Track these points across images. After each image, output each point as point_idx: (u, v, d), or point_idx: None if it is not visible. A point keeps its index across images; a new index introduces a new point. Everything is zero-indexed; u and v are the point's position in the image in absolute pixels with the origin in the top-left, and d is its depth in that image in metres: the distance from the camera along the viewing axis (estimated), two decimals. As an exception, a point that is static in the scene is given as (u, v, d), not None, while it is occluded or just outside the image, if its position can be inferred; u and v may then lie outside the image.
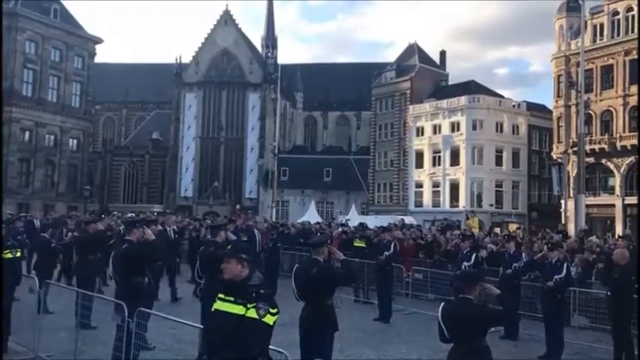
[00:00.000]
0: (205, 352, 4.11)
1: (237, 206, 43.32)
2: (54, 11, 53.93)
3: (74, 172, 57.05)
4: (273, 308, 4.09)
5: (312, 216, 39.83)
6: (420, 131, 56.64)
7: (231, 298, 4.12)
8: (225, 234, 7.93)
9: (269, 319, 4.03)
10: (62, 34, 54.23)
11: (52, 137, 54.65)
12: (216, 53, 72.97)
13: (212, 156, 71.80)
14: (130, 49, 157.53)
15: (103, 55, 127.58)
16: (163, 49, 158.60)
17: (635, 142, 40.04)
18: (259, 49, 77.74)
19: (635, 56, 40.71)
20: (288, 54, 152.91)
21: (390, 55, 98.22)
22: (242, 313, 4.01)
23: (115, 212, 34.08)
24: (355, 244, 16.47)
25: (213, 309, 4.27)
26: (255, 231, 15.93)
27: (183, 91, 72.03)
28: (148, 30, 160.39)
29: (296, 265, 6.91)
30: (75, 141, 57.23)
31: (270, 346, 4.71)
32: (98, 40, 58.87)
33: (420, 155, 56.37)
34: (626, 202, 40.85)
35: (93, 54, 58.54)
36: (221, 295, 4.22)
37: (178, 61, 72.61)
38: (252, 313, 3.99)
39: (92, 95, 59.87)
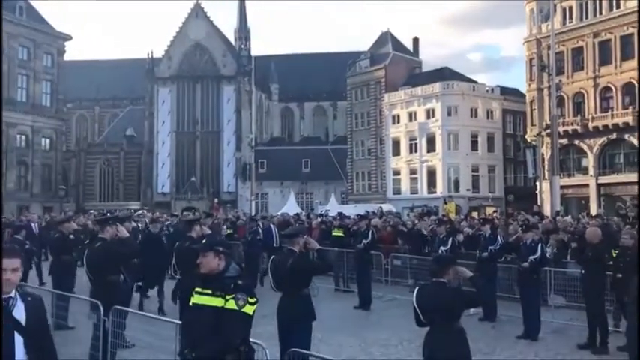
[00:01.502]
0: (186, 347, 4.10)
1: (216, 200, 43.13)
2: (19, 9, 52.75)
3: (48, 172, 56.11)
4: (251, 298, 4.10)
5: (291, 208, 39.84)
6: (396, 119, 56.88)
7: (209, 291, 4.12)
8: (200, 229, 7.90)
9: (248, 309, 4.05)
10: (29, 32, 53.09)
11: (24, 137, 53.61)
12: (189, 47, 72.30)
13: (188, 151, 71.31)
14: (101, 45, 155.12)
15: (73, 52, 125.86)
16: (134, 44, 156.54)
17: (607, 122, 40.71)
18: (232, 41, 77.17)
19: (605, 37, 41.33)
20: (262, 45, 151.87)
21: (364, 44, 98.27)
22: (221, 304, 4.02)
23: (91, 211, 33.68)
24: (334, 234, 16.52)
25: (191, 303, 4.26)
26: (272, 226, 16.23)
27: (157, 86, 71.29)
28: (118, 25, 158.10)
29: (272, 257, 6.91)
30: (47, 140, 56.21)
31: (250, 339, 4.72)
32: (67, 37, 57.77)
33: (396, 143, 56.63)
34: (599, 181, 41.60)
35: (62, 51, 57.44)
36: (198, 289, 4.22)
37: (150, 56, 71.80)
38: (231, 304, 4.00)
39: (63, 93, 58.78)
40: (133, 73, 74.78)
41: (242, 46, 74.96)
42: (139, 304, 10.74)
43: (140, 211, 20.54)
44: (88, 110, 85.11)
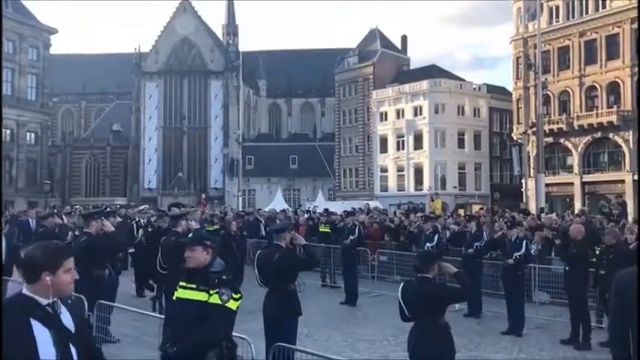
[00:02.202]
0: (168, 341, 4.08)
1: (203, 196, 42.96)
2: (4, 1, 52.08)
3: (33, 166, 55.57)
4: (236, 294, 4.09)
5: (279, 204, 39.75)
6: (384, 116, 56.98)
7: (193, 285, 4.11)
8: (186, 223, 7.87)
9: (232, 305, 4.04)
10: (15, 25, 52.45)
11: (8, 131, 53.03)
12: (176, 42, 71.87)
13: (175, 146, 70.95)
14: (87, 39, 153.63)
15: (59, 46, 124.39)
16: (121, 38, 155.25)
17: (591, 121, 41.09)
18: (220, 37, 76.80)
19: (590, 37, 41.68)
20: (250, 41, 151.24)
21: (352, 41, 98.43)
22: (205, 299, 4.01)
23: (77, 206, 33.37)
24: (321, 230, 16.56)
25: (174, 297, 4.25)
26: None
27: (144, 81, 70.80)
28: (105, 20, 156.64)
29: (258, 252, 6.91)
30: (32, 135, 55.66)
31: (234, 333, 4.72)
32: (53, 31, 57.18)
33: (384, 140, 56.75)
34: (584, 180, 42.01)
35: (48, 45, 56.85)
36: (182, 283, 4.20)
37: (137, 51, 71.20)
38: (215, 299, 3.99)
39: (49, 87, 58.21)
40: (120, 68, 74.18)
41: (230, 42, 74.62)
42: (152, 306, 10.23)
43: (142, 207, 20.15)
44: (74, 105, 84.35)
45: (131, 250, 12.06)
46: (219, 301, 3.96)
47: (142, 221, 14.09)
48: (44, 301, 2.70)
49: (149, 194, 66.33)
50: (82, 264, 6.96)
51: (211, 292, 4.00)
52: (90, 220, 6.78)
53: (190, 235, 4.54)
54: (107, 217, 7.26)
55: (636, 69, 39.00)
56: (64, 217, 13.38)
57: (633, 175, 38.93)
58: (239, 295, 4.09)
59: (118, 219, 11.27)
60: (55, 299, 2.74)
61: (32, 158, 55.45)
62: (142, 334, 7.00)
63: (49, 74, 57.11)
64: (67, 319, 2.80)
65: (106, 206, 22.31)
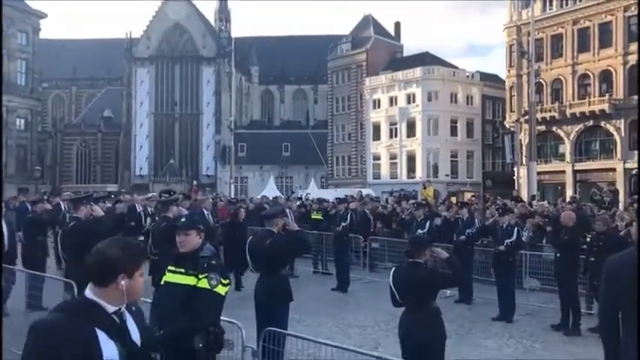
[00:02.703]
0: (155, 324, 4.05)
1: (195, 183, 42.78)
2: (-7, -15, 51.35)
3: (23, 152, 55.13)
4: (224, 279, 4.07)
5: (271, 191, 39.69)
6: (377, 103, 56.88)
7: (182, 270, 4.08)
8: (177, 209, 7.82)
9: (221, 290, 4.02)
10: (3, 9, 51.76)
11: (-2, 117, 52.53)
12: (168, 27, 71.29)
13: (167, 133, 70.63)
14: (77, 24, 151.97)
15: (49, 31, 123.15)
16: (112, 24, 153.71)
17: (584, 109, 41.19)
18: (212, 22, 76.21)
19: (584, 25, 41.67)
20: (243, 27, 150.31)
21: (345, 27, 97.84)
22: (193, 283, 3.98)
23: (67, 192, 33.20)
24: (313, 217, 16.55)
25: (163, 281, 4.22)
26: (287, 211, 15.14)
27: (135, 67, 70.28)
28: (96, 4, 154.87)
29: (250, 237, 6.88)
30: (22, 120, 55.14)
31: (225, 318, 4.70)
32: (42, 15, 56.45)
33: (377, 127, 56.70)
34: (575, 168, 42.21)
35: (37, 29, 56.15)
36: (171, 267, 4.18)
37: (129, 36, 70.59)
38: (203, 284, 3.96)
39: (39, 73, 57.61)
40: (111, 53, 73.56)
41: (222, 28, 74.07)
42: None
43: (150, 194, 19.62)
44: (65, 90, 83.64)
45: (141, 239, 11.59)
46: (207, 286, 3.93)
47: (149, 209, 13.49)
48: (111, 308, 2.28)
49: (140, 181, 66.10)
50: (71, 249, 6.96)
51: (200, 276, 3.97)
52: (79, 205, 6.71)
53: (183, 220, 4.49)
54: (97, 202, 7.20)
55: (629, 57, 39.09)
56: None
57: (624, 163, 39.17)
58: (228, 281, 4.07)
59: (108, 204, 11.13)
60: (123, 306, 2.35)
61: (22, 144, 55.00)
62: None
63: (38, 59, 56.48)
64: (133, 330, 2.40)
65: (110, 193, 21.96)
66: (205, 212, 12.65)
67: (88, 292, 2.31)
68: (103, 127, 71.43)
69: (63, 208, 13.96)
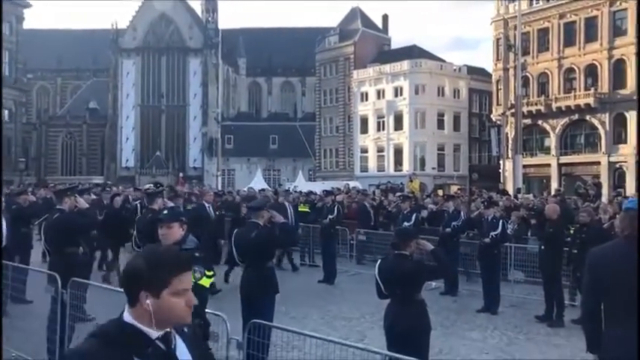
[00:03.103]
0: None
1: (181, 174, 42.58)
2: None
3: (7, 144, 54.49)
4: (209, 271, 4.06)
5: (258, 184, 39.60)
6: (365, 96, 56.89)
7: (165, 263, 4.05)
8: (162, 201, 7.78)
9: (205, 282, 4.02)
10: (-14, -2, 50.99)
11: (-20, 108, 51.86)
12: (154, 18, 70.66)
13: (153, 125, 70.17)
14: (63, 14, 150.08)
15: (33, 21, 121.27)
16: (98, 14, 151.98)
17: (569, 103, 41.51)
18: (199, 13, 75.66)
19: (570, 19, 41.92)
20: (230, 19, 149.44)
21: (333, 19, 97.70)
22: None
23: (51, 184, 32.89)
24: (300, 209, 16.53)
25: (146, 275, 4.18)
26: (287, 204, 14.38)
27: (121, 58, 69.65)
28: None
29: (236, 230, 6.86)
30: (6, 111, 54.50)
31: (210, 310, 4.69)
32: (26, 5, 55.73)
33: (364, 120, 56.74)
34: (560, 161, 42.58)
35: (21, 19, 55.42)
36: (153, 260, 4.14)
37: (114, 27, 69.89)
38: None
39: (23, 63, 56.90)
40: (97, 44, 72.83)
41: (209, 19, 73.58)
42: None
43: (147, 185, 19.19)
44: (50, 81, 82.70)
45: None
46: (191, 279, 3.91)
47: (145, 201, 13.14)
48: (154, 333, 1.91)
49: (127, 173, 65.67)
50: (55, 241, 6.90)
51: None
52: (63, 197, 6.65)
53: (165, 212, 4.46)
54: (81, 194, 7.14)
55: (614, 52, 39.42)
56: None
57: (609, 156, 39.59)
58: (212, 273, 4.06)
59: (93, 196, 11.01)
60: (169, 330, 1.95)
61: (6, 135, 54.34)
62: (118, 312, 6.95)
63: (23, 49, 55.78)
64: (183, 354, 2.00)
65: (105, 185, 21.50)
66: (207, 205, 12.26)
67: (126, 314, 1.93)
68: (89, 118, 70.81)
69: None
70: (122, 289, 1.94)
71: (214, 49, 63.30)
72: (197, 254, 4.07)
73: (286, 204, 14.49)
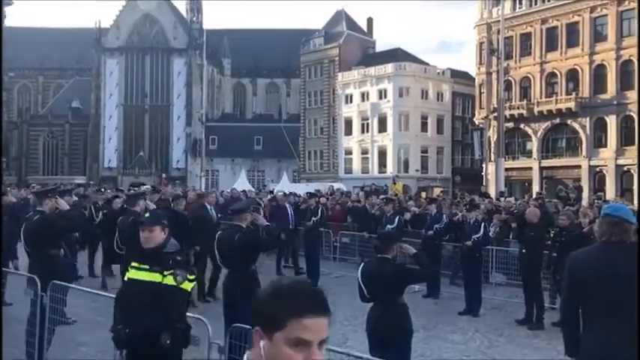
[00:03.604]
0: (120, 322, 4.01)
1: (164, 175, 42.32)
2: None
3: (-13, 143, 53.73)
4: (190, 275, 4.04)
5: (242, 185, 39.46)
6: (349, 99, 57.02)
7: (146, 266, 4.03)
8: (144, 203, 7.72)
9: (187, 286, 3.99)
10: (-34, -5, 50.28)
11: (-40, 106, 51.09)
12: (138, 17, 70.17)
13: (136, 125, 69.64)
14: (45, 12, 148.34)
15: (15, 18, 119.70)
16: (81, 13, 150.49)
17: (551, 107, 41.97)
18: (184, 13, 75.27)
19: (552, 24, 42.41)
20: (215, 19, 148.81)
21: (318, 22, 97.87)
22: (158, 280, 3.94)
23: (33, 184, 32.51)
24: (283, 211, 16.46)
25: (126, 278, 4.17)
26: (287, 205, 14.40)
27: (104, 57, 69.07)
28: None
29: (218, 232, 6.84)
30: (-14, 110, 53.71)
31: (191, 314, 4.67)
32: (7, 2, 55.05)
33: (349, 122, 56.87)
34: (542, 165, 43.02)
35: (2, 16, 54.65)
36: (134, 264, 4.12)
37: (98, 26, 69.28)
38: (169, 280, 3.92)
39: (4, 61, 56.09)
40: (80, 43, 72.07)
41: (194, 19, 73.20)
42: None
43: (145, 186, 18.72)
44: (31, 80, 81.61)
45: None
46: (173, 283, 3.90)
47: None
48: None
49: (109, 173, 65.12)
50: (35, 243, 6.82)
51: (165, 273, 3.93)
52: (44, 198, 6.58)
53: (147, 215, 4.43)
54: (62, 195, 7.06)
55: (595, 57, 39.95)
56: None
57: (589, 160, 40.09)
58: (194, 277, 4.05)
59: (75, 198, 10.88)
60: None
61: (-14, 134, 53.59)
62: (99, 315, 6.89)
63: (4, 47, 54.99)
64: None
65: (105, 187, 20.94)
66: (208, 207, 11.72)
67: (247, 353, 1.65)
68: (71, 118, 70.07)
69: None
70: None
71: (199, 50, 63.06)
72: (179, 258, 4.05)
73: (287, 205, 14.44)
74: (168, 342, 3.82)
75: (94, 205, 12.33)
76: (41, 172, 68.81)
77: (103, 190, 15.10)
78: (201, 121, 49.25)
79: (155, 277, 3.95)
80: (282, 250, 13.88)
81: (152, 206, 7.98)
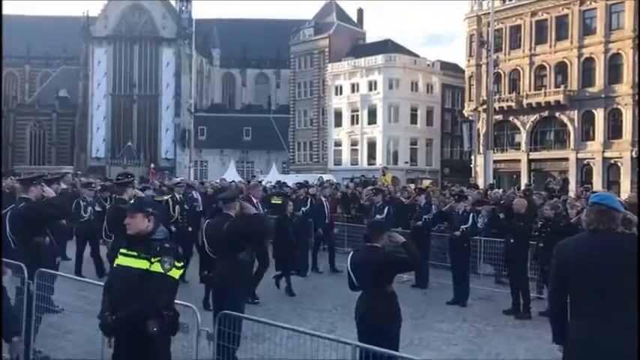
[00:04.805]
0: (107, 309, 3.98)
1: (152, 165, 42.07)
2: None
3: (-28, 132, 53.27)
4: (178, 262, 4.02)
5: (231, 176, 39.37)
6: (339, 90, 56.96)
7: (134, 253, 4.01)
8: (132, 191, 7.67)
9: (175, 273, 3.97)
10: (-49, -19, 49.51)
11: (-55, 94, 50.50)
12: (127, 6, 69.60)
13: (125, 114, 69.19)
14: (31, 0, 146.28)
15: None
16: (68, 1, 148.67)
17: (540, 100, 42.19)
18: (173, 2, 74.68)
19: (541, 17, 42.54)
20: (204, 8, 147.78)
21: (308, 12, 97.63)
22: (146, 267, 3.92)
23: (21, 173, 32.26)
24: (273, 202, 16.44)
25: (115, 264, 4.15)
26: (323, 199, 13.95)
27: (92, 46, 68.49)
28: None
29: (207, 221, 6.81)
30: (-28, 99, 53.18)
31: (180, 301, 4.65)
32: (-7, -11, 54.28)
33: (338, 114, 56.84)
34: (530, 157, 43.30)
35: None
36: (123, 250, 4.10)
37: (86, 15, 68.62)
38: (156, 267, 3.90)
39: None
40: (67, 32, 71.34)
41: (183, 8, 72.65)
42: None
43: (179, 179, 18.13)
44: (18, 68, 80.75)
45: (173, 229, 10.32)
46: (160, 270, 3.87)
47: (177, 196, 11.92)
48: None
49: (97, 163, 64.76)
50: (20, 230, 6.74)
51: (153, 260, 3.91)
52: (29, 186, 6.50)
53: (132, 202, 4.40)
54: (49, 183, 6.98)
55: (583, 50, 40.16)
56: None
57: (577, 152, 40.39)
58: (181, 264, 4.02)
59: (63, 186, 10.71)
60: None
61: (-28, 123, 53.07)
62: (87, 303, 6.84)
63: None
64: None
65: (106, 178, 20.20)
66: (254, 200, 10.31)
67: None
68: (59, 107, 69.51)
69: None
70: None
71: (188, 40, 62.60)
72: (167, 245, 4.03)
73: (322, 198, 13.84)
74: (155, 329, 3.81)
75: (83, 200, 11.95)
76: (28, 161, 68.28)
77: (93, 185, 14.65)
78: (190, 111, 48.99)
79: (143, 264, 3.92)
80: (318, 246, 13.70)
81: (140, 194, 7.93)
